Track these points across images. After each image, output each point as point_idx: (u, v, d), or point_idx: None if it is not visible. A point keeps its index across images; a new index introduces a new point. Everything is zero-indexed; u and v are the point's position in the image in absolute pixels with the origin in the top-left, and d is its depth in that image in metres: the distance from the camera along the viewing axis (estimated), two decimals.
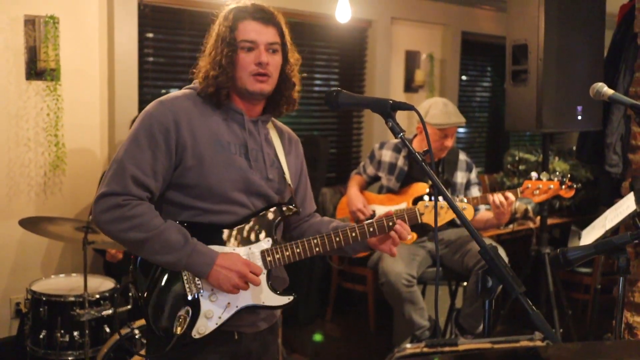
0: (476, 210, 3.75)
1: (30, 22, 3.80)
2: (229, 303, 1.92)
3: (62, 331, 3.21)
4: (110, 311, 3.22)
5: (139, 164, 1.85)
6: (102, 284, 3.44)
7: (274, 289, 1.98)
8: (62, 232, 3.25)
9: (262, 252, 1.97)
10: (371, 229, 2.01)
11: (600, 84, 2.27)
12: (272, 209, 2.01)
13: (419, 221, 2.12)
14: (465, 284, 3.94)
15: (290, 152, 2.12)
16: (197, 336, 1.89)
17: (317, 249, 1.98)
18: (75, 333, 3.22)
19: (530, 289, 1.53)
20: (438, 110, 3.74)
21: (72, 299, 3.22)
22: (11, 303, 3.93)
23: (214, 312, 1.90)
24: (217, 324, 1.91)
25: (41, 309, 3.22)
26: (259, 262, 1.96)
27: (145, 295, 1.89)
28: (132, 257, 1.93)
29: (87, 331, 3.15)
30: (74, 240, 3.22)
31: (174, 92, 1.99)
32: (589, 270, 4.54)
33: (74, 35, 4.00)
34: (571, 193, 3.30)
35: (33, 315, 3.27)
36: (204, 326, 1.89)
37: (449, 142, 3.77)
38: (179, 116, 1.89)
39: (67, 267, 4.06)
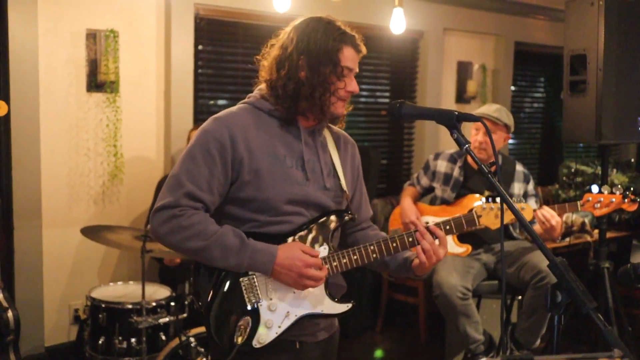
0: (533, 223, 3.68)
1: (92, 36, 3.92)
2: (288, 312, 1.92)
3: (120, 338, 3.28)
4: (166, 319, 3.27)
5: (195, 179, 1.87)
6: (158, 292, 3.50)
7: (332, 296, 1.98)
8: (121, 240, 3.32)
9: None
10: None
11: None
12: (329, 217, 2.01)
13: (477, 223, 2.09)
14: (520, 297, 3.86)
15: (347, 158, 2.12)
16: (258, 345, 1.90)
17: (374, 255, 1.98)
18: (133, 340, 3.28)
19: None
20: (482, 107, 3.87)
21: (130, 306, 3.29)
22: (70, 309, 4.03)
23: (273, 322, 1.91)
24: (277, 333, 1.92)
25: (100, 316, 3.30)
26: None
27: (206, 306, 1.91)
28: (193, 269, 1.95)
29: (144, 338, 3.22)
30: (132, 248, 3.29)
31: (230, 108, 2.00)
32: None
33: (133, 48, 4.10)
34: (635, 207, 3.20)
35: (92, 322, 3.35)
36: (265, 335, 1.90)
37: (480, 137, 3.72)
38: (234, 132, 1.90)
39: (123, 275, 4.14)
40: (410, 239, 2.00)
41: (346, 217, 2.03)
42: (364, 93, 5.46)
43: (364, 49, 1.99)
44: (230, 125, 1.91)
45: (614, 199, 3.20)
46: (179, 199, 1.86)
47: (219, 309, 1.90)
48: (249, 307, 1.90)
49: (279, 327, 1.92)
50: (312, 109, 1.94)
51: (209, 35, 4.46)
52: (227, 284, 1.91)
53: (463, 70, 5.80)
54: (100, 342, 3.30)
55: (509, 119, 3.76)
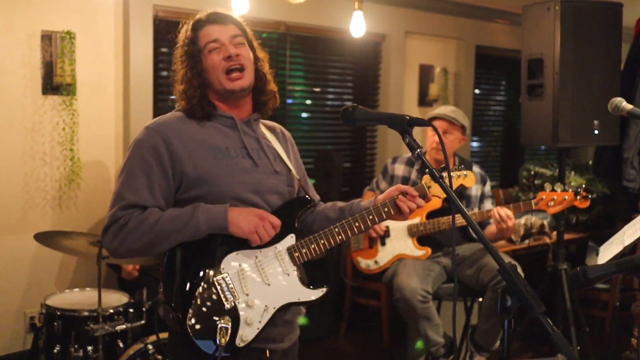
0: (488, 223, 3.71)
1: (47, 38, 3.83)
2: (266, 306, 1.92)
3: (76, 346, 3.19)
4: (124, 326, 3.21)
5: (136, 191, 1.89)
6: (115, 299, 3.43)
7: (304, 283, 1.99)
8: (76, 246, 3.25)
9: (289, 249, 1.98)
10: (386, 209, 2.03)
11: (619, 98, 2.25)
12: (290, 205, 2.03)
13: (427, 193, 2.10)
14: (480, 299, 3.89)
15: (287, 145, 2.17)
16: (241, 344, 1.88)
17: (340, 237, 2.00)
18: (89, 348, 3.20)
19: (547, 306, 1.51)
20: (438, 108, 3.86)
21: (86, 313, 3.21)
22: (25, 317, 3.93)
23: (253, 318, 1.90)
24: (258, 328, 1.91)
25: (55, 324, 3.21)
26: (287, 259, 1.97)
27: (183, 313, 1.87)
28: (162, 276, 1.91)
29: (100, 346, 3.14)
30: (88, 255, 3.23)
31: (160, 116, 2.03)
32: (606, 286, 4.48)
33: (90, 50, 4.02)
34: (586, 203, 3.27)
35: (47, 330, 3.27)
36: (247, 333, 1.89)
37: (438, 139, 3.75)
38: (166, 135, 1.92)
39: (81, 281, 4.06)
40: (371, 217, 2.01)
41: (306, 204, 2.06)
42: (330, 96, 5.46)
43: (225, 17, 2.01)
44: (161, 130, 1.94)
45: (566, 197, 3.26)
46: (119, 210, 1.88)
47: (197, 314, 1.87)
48: (227, 307, 1.88)
49: (259, 322, 1.91)
50: (219, 95, 1.99)
51: (169, 37, 4.39)
52: (202, 286, 1.88)
53: (425, 74, 5.83)
54: (55, 350, 3.21)
55: (464, 120, 3.80)
